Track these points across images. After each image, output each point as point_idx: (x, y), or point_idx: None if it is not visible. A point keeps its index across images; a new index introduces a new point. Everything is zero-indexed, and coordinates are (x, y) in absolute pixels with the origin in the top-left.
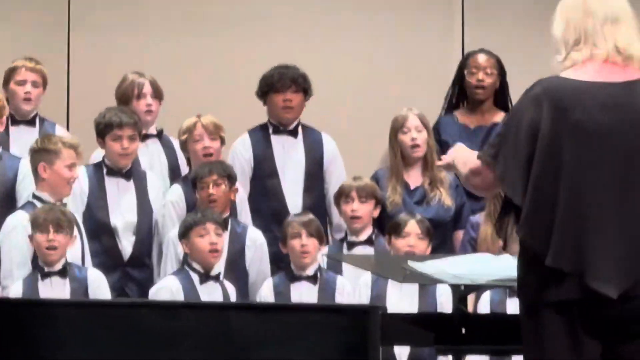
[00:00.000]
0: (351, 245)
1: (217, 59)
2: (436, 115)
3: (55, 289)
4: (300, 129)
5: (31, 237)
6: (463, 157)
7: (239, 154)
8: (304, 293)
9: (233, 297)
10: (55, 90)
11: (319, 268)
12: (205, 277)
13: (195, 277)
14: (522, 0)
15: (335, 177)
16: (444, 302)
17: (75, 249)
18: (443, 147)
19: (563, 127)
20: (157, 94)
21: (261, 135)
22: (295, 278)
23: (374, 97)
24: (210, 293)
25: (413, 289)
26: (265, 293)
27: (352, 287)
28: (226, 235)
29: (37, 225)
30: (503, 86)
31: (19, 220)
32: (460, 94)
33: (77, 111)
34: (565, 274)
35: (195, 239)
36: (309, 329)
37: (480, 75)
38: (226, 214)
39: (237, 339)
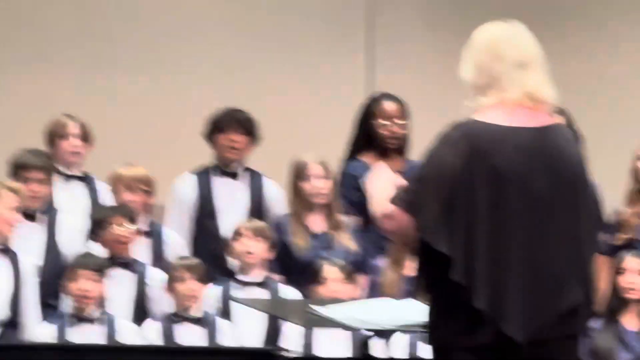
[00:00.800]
0: (244, 284)
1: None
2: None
3: None
4: (243, 172)
5: None
6: (376, 189)
7: (182, 194)
8: (189, 335)
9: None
10: None
11: (204, 311)
12: (78, 319)
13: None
14: (429, 40)
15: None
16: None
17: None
18: (362, 194)
19: (480, 171)
20: (85, 137)
21: (204, 176)
22: (180, 320)
23: (279, 139)
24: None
25: (345, 334)
26: (152, 336)
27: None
28: (133, 276)
29: None
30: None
31: None
32: (366, 139)
33: None
34: (481, 319)
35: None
36: None
37: (394, 128)
38: (130, 256)
39: None
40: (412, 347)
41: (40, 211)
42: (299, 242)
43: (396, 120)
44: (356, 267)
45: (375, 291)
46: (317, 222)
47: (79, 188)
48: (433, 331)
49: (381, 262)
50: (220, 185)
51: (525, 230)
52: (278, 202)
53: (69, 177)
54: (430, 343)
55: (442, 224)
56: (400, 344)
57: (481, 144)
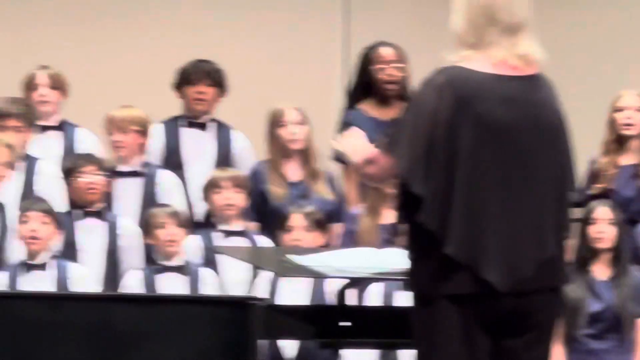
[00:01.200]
0: (227, 234)
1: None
2: (321, 108)
3: None
4: (211, 124)
5: None
6: (353, 145)
7: (150, 144)
8: (171, 284)
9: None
10: None
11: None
12: (28, 267)
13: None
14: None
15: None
16: (332, 295)
17: None
18: None
19: (463, 118)
20: (57, 85)
21: (172, 127)
22: (162, 269)
23: (257, 93)
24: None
25: (306, 282)
26: (132, 283)
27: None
28: (104, 225)
29: None
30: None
31: None
32: (364, 88)
33: None
34: (459, 266)
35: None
36: (189, 321)
37: (391, 70)
38: (103, 205)
39: (115, 330)
40: (388, 296)
41: (18, 160)
42: (276, 191)
43: (393, 65)
44: (332, 216)
45: (352, 240)
46: (293, 170)
47: (54, 138)
48: (412, 277)
49: (358, 210)
50: (188, 136)
51: (505, 179)
52: (245, 153)
53: (44, 128)
54: (410, 289)
55: (420, 166)
56: (376, 293)
57: (466, 90)
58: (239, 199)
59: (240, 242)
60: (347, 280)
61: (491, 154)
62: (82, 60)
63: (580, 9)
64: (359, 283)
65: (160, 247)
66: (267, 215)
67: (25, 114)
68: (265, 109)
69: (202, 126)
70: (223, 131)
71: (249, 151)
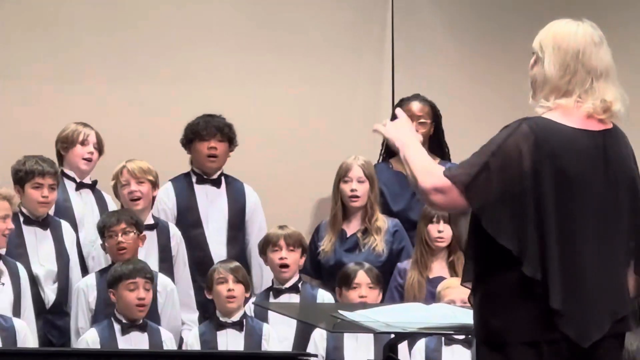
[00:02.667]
0: (277, 292)
1: (143, 108)
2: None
3: None
4: (223, 179)
5: None
6: (406, 137)
7: (162, 203)
8: (230, 340)
9: (168, 345)
10: None
11: (244, 315)
12: (129, 327)
13: (117, 327)
14: (452, 45)
15: (257, 227)
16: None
17: (3, 299)
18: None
19: (545, 171)
20: (99, 146)
21: (184, 184)
22: (221, 325)
23: (302, 145)
24: (135, 343)
25: (368, 339)
26: (191, 341)
27: (279, 334)
28: None
29: None
30: (438, 132)
31: None
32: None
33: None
34: (546, 315)
35: (123, 291)
36: None
37: (415, 126)
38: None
39: None
40: (437, 351)
41: (49, 217)
42: (325, 247)
43: (420, 120)
44: (382, 269)
45: (398, 293)
46: (353, 226)
47: (88, 196)
48: (483, 328)
49: (406, 264)
50: (203, 193)
51: (591, 233)
52: (258, 208)
53: (81, 185)
54: (478, 337)
55: (507, 218)
56: (421, 348)
57: (549, 142)
58: (294, 257)
59: (292, 298)
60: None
61: (576, 207)
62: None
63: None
64: (408, 338)
65: (221, 303)
66: (320, 269)
67: (57, 173)
68: (312, 161)
69: (214, 182)
70: (235, 186)
71: (260, 207)
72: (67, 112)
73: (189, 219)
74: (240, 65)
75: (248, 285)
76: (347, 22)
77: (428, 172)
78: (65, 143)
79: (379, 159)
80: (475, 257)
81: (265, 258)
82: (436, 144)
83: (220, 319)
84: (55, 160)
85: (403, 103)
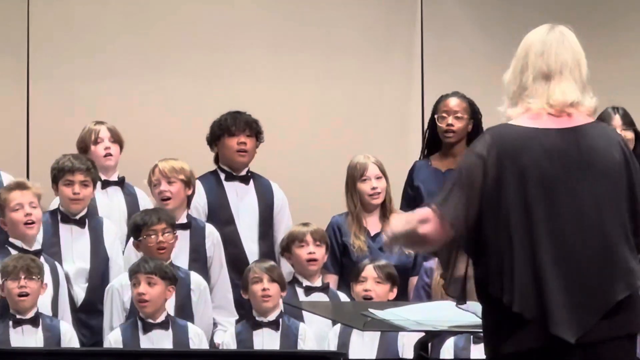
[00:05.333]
0: (308, 290)
1: (182, 106)
2: (395, 159)
3: (26, 338)
4: (250, 176)
5: (2, 286)
6: (402, 218)
7: (193, 201)
8: (266, 340)
9: (199, 341)
10: (14, 140)
11: (281, 314)
12: (150, 325)
13: (140, 326)
14: (481, 43)
15: (284, 225)
16: (405, 349)
17: (44, 299)
18: (415, 191)
19: (509, 176)
20: (116, 139)
21: (214, 182)
22: (257, 325)
23: (331, 142)
24: (156, 341)
25: (374, 336)
26: (227, 340)
27: (316, 334)
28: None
29: (8, 272)
30: (477, 129)
31: None
32: (434, 139)
33: (37, 160)
34: (524, 322)
35: (132, 289)
36: None
37: (450, 120)
38: (168, 261)
39: None
40: (465, 350)
41: (88, 215)
42: (359, 244)
43: (457, 115)
44: (408, 268)
45: (425, 292)
46: (373, 224)
47: (116, 193)
48: (485, 336)
49: (432, 263)
50: (233, 190)
51: (558, 231)
52: (285, 205)
53: (107, 183)
54: (484, 347)
55: (472, 229)
56: (449, 346)
57: (509, 145)
58: (321, 253)
59: (322, 297)
60: (423, 334)
61: (544, 208)
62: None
63: None
64: (436, 336)
65: (256, 302)
66: (347, 268)
67: (90, 169)
68: (340, 160)
69: (242, 179)
70: (263, 183)
71: (286, 204)
72: (99, 111)
73: (221, 216)
74: (267, 63)
75: (284, 285)
76: (376, 19)
77: (408, 221)
78: (81, 147)
79: (420, 156)
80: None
81: (289, 255)
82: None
83: (257, 318)
84: None
85: (441, 99)
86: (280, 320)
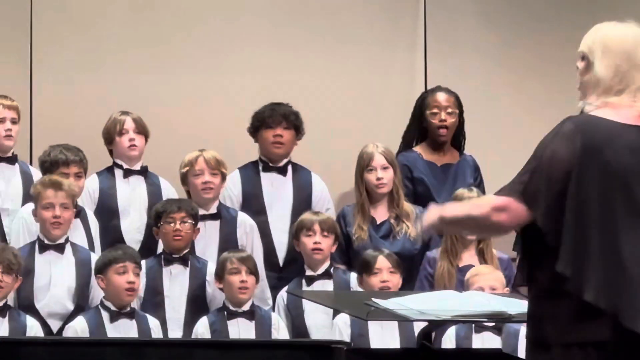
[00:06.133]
0: (310, 279)
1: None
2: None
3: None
4: (289, 167)
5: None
6: (463, 204)
7: (228, 190)
8: (241, 330)
9: (155, 332)
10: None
11: (253, 304)
12: (117, 314)
13: (105, 315)
14: (484, 35)
15: None
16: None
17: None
18: (416, 184)
19: (591, 167)
20: (141, 130)
21: (251, 172)
22: (232, 315)
23: (336, 133)
24: (123, 331)
25: (393, 325)
26: (201, 331)
27: (327, 324)
28: (187, 271)
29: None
30: (460, 124)
31: None
32: (420, 132)
33: (41, 152)
34: (596, 314)
35: (113, 276)
36: None
37: (443, 115)
38: (186, 251)
39: None
40: (467, 339)
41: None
42: (359, 234)
43: (449, 110)
44: (412, 257)
45: (428, 282)
46: (380, 213)
47: (138, 182)
48: (535, 325)
49: (435, 253)
50: (269, 181)
51: (636, 227)
52: (324, 196)
53: (128, 172)
54: (529, 337)
55: (553, 216)
56: (451, 335)
57: (594, 138)
58: (328, 242)
59: (326, 284)
60: (426, 324)
61: (622, 202)
62: (152, 104)
63: None
64: (442, 326)
65: (233, 294)
66: (351, 257)
67: (83, 160)
68: (347, 149)
69: (280, 170)
70: (302, 174)
71: (327, 194)
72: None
73: (253, 206)
74: (271, 55)
75: (258, 276)
76: (379, 12)
77: (477, 205)
78: (107, 138)
79: (399, 148)
80: (528, 257)
81: (297, 243)
82: (457, 135)
83: (231, 308)
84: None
85: (428, 94)
86: (255, 310)
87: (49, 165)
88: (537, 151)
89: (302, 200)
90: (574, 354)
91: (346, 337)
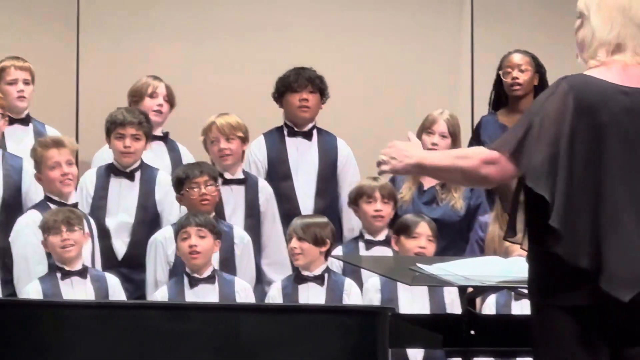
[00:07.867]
0: (369, 244)
1: (231, 62)
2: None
3: (76, 290)
4: (315, 132)
5: (44, 243)
6: (448, 153)
7: (253, 156)
8: (311, 294)
9: (245, 295)
10: (64, 94)
11: (327, 269)
12: (196, 280)
13: (186, 281)
14: (532, 1)
15: (349, 181)
16: (451, 304)
17: (86, 250)
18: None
19: (587, 128)
20: (170, 99)
21: (276, 138)
22: (303, 279)
23: (384, 98)
24: (202, 296)
25: (423, 290)
26: (273, 294)
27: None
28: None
29: (49, 227)
30: (542, 83)
31: (31, 219)
32: (501, 96)
33: (87, 114)
34: (579, 278)
35: (179, 242)
36: (318, 330)
37: (515, 73)
38: (212, 215)
39: (245, 340)
40: (506, 306)
41: (141, 168)
42: (404, 196)
43: (521, 68)
44: (459, 225)
45: (479, 247)
46: (430, 179)
47: (160, 148)
48: (532, 288)
49: (487, 217)
50: (294, 146)
51: (631, 192)
52: (350, 161)
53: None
54: (529, 299)
55: (544, 172)
56: (491, 302)
57: (589, 99)
58: (388, 209)
59: (384, 250)
60: (471, 289)
61: (618, 163)
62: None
63: None
64: (485, 292)
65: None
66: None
67: (143, 123)
68: (390, 117)
69: (306, 134)
70: (328, 139)
71: (352, 159)
72: (148, 65)
73: (279, 171)
74: (315, 20)
75: (319, 242)
76: None
77: (465, 156)
78: (135, 96)
79: (489, 110)
80: (523, 215)
81: (356, 208)
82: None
83: (302, 272)
84: None
85: (504, 57)
86: (326, 275)
87: (109, 125)
88: (531, 109)
89: (328, 165)
90: (561, 316)
91: (376, 302)
